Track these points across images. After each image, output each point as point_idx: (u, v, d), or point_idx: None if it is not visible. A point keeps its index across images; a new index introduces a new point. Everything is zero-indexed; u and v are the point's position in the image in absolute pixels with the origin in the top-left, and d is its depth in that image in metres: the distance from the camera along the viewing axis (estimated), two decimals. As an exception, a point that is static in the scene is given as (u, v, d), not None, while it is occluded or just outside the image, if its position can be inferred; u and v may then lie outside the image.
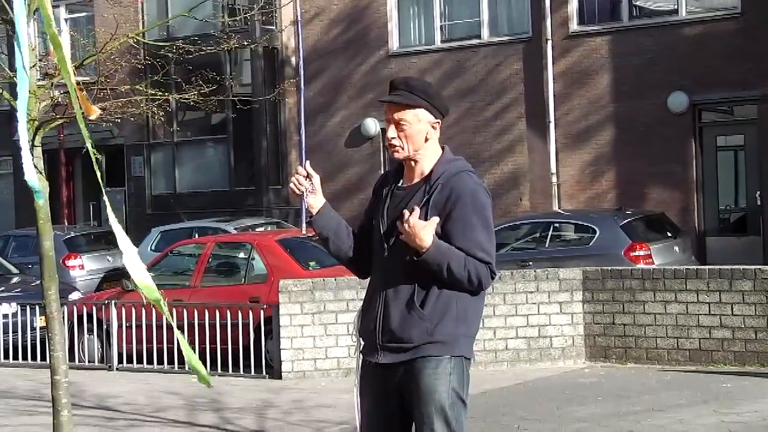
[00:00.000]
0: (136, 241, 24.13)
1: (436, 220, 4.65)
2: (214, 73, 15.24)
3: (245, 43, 15.56)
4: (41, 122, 9.34)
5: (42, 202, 8.87)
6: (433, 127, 4.82)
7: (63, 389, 8.70)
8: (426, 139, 4.81)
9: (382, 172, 25.11)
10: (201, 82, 13.25)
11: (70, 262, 20.63)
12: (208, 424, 10.03)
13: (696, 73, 21.18)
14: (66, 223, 27.33)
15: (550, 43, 22.95)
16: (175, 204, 27.65)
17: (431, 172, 4.80)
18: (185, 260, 15.30)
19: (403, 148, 4.80)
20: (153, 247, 20.78)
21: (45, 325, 9.67)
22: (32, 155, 8.73)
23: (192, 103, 13.35)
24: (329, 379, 11.97)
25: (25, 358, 14.00)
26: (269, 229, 20.76)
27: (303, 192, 4.95)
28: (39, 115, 9.21)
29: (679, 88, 21.35)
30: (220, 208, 26.05)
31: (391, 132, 4.81)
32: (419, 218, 4.62)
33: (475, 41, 24.50)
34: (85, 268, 21.12)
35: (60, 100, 13.64)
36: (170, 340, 13.06)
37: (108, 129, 27.03)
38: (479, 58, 24.27)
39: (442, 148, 4.89)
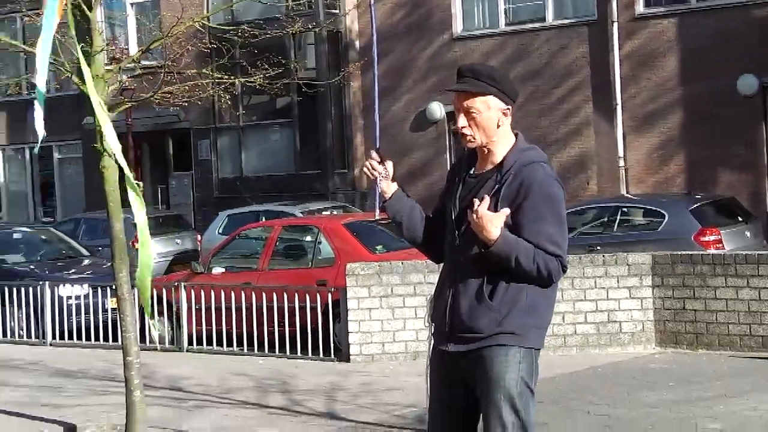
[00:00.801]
0: (204, 224, 24.42)
1: (505, 211, 4.57)
2: (280, 57, 15.30)
3: (310, 27, 15.55)
4: (110, 106, 9.43)
5: (112, 179, 8.99)
6: (504, 113, 4.72)
7: (135, 370, 8.82)
8: (498, 126, 4.72)
9: (447, 157, 25.17)
10: (267, 65, 13.30)
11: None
12: (278, 405, 10.09)
13: (766, 55, 20.88)
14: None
15: (615, 25, 22.76)
16: (242, 188, 27.84)
17: (503, 160, 4.71)
18: (253, 243, 15.39)
19: (474, 138, 4.70)
20: (220, 231, 20.95)
21: (116, 306, 9.79)
22: (101, 137, 8.83)
23: (258, 87, 13.40)
24: (397, 362, 12.00)
25: (97, 339, 14.19)
26: (335, 212, 20.82)
27: (376, 177, 4.94)
28: (107, 99, 9.29)
29: (749, 70, 21.07)
30: (285, 192, 26.17)
31: (462, 121, 4.71)
32: (488, 209, 4.55)
33: (539, 24, 24.36)
34: (154, 251, 21.32)
35: (127, 84, 13.80)
36: (239, 323, 13.18)
37: (175, 113, 27.31)
38: (544, 41, 24.13)
39: (516, 136, 4.80)
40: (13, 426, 9.62)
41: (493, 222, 4.53)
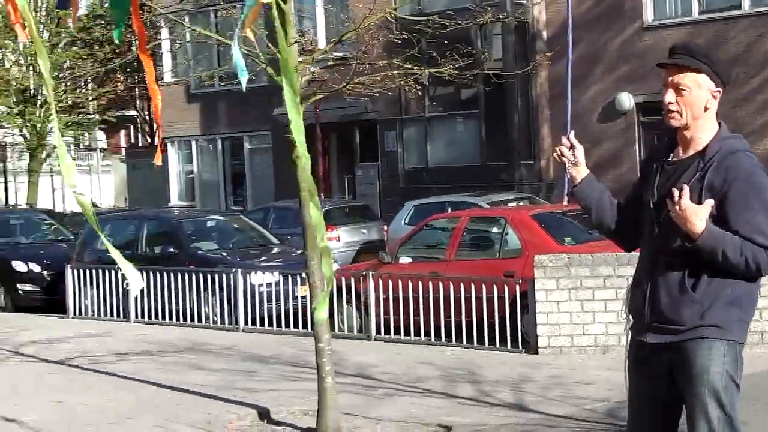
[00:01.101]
0: (390, 213, 24.60)
1: (710, 203, 4.42)
2: (470, 48, 15.27)
3: (500, 17, 15.47)
4: (301, 97, 9.57)
5: (304, 168, 9.12)
6: (713, 95, 4.58)
7: (326, 356, 8.94)
8: (705, 109, 4.57)
9: (636, 148, 24.70)
10: (457, 56, 13.31)
11: (327, 234, 21.14)
12: (465, 395, 10.08)
13: None
14: (322, 196, 28.06)
15: (817, 11, 21.92)
16: (427, 178, 27.95)
17: (706, 148, 4.56)
18: (439, 234, 15.42)
19: (681, 114, 4.57)
20: (406, 221, 21.09)
21: (306, 294, 9.94)
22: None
23: (447, 78, 13.43)
24: (586, 356, 11.83)
25: (287, 325, 14.47)
26: (521, 204, 20.69)
27: (566, 163, 4.86)
28: (300, 91, 9.44)
29: None
30: (470, 183, 26.14)
31: (669, 96, 4.58)
32: (692, 199, 4.40)
33: (735, 12, 23.65)
34: (341, 241, 21.66)
35: (316, 75, 14.00)
36: (426, 313, 13.22)
37: (362, 104, 27.62)
38: (740, 29, 23.42)
39: (719, 125, 4.64)
40: (208, 408, 9.89)
41: (697, 215, 4.39)
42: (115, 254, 4.20)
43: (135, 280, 4.19)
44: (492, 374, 11.10)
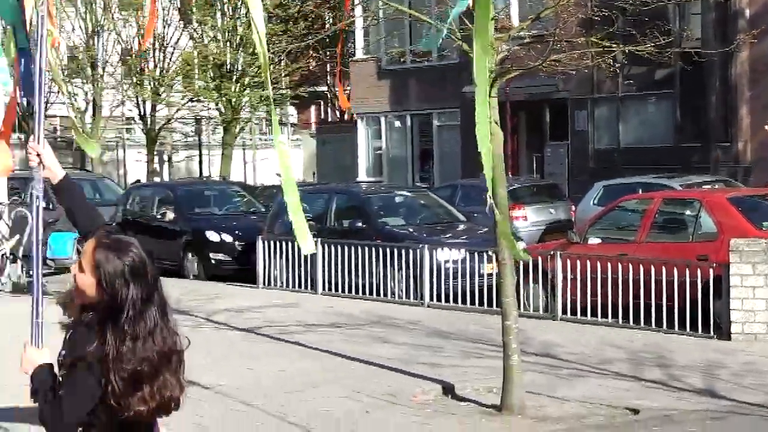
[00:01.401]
0: (578, 194, 24.29)
1: None
2: (668, 26, 14.85)
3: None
4: (496, 74, 9.49)
5: (486, 150, 9.02)
6: None
7: (513, 334, 8.88)
8: None
9: None
10: (657, 33, 12.96)
11: (514, 213, 20.95)
12: (653, 379, 9.86)
13: None
14: (509, 175, 27.86)
15: None
16: (618, 159, 27.46)
17: None
18: (630, 215, 15.09)
19: None
20: (595, 201, 20.72)
21: (492, 271, 9.86)
22: (488, 106, 8.91)
23: (645, 56, 13.08)
24: (782, 344, 11.41)
25: (472, 303, 14.43)
26: (717, 186, 20.06)
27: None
28: (494, 68, 9.35)
29: None
30: (662, 165, 25.52)
31: None
32: None
33: None
34: (528, 220, 21.46)
35: (510, 53, 13.86)
36: (614, 294, 12.98)
37: (553, 83, 27.30)
38: None
39: None
40: (392, 381, 9.95)
41: None
42: (295, 216, 4.25)
43: (307, 243, 4.27)
44: (681, 359, 10.82)
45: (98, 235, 3.89)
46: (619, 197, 16.71)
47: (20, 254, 16.81)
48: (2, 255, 16.73)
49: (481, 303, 14.26)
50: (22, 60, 5.60)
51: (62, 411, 3.71)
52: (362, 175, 36.87)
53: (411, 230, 17.17)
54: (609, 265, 13.07)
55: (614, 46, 11.78)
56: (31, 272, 16.61)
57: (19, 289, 16.56)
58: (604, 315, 13.12)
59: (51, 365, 3.89)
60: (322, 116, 58.47)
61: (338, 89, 24.93)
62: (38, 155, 4.24)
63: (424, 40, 6.14)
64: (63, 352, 3.85)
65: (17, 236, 16.68)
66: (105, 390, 3.69)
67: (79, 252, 15.78)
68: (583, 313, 13.31)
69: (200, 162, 44.76)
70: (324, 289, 16.29)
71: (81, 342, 3.75)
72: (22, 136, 39.37)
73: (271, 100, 4.49)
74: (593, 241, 14.25)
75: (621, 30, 15.30)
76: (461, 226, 17.92)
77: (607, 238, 14.42)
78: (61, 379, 3.82)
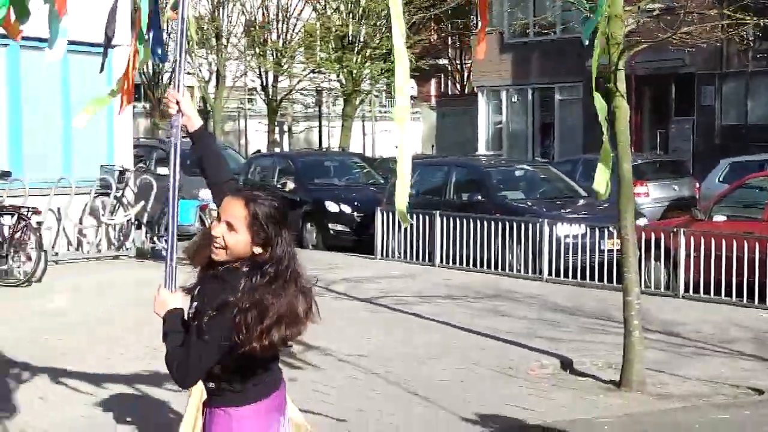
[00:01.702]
0: (703, 171, 23.81)
1: None
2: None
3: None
4: (624, 46, 9.31)
5: (623, 128, 8.91)
6: None
7: (635, 310, 8.74)
8: None
9: None
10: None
11: (636, 189, 20.63)
12: (779, 361, 9.64)
13: None
14: (632, 150, 27.42)
15: None
16: (745, 135, 26.83)
17: None
18: (757, 193, 14.73)
19: None
20: (721, 179, 20.29)
21: (613, 247, 9.71)
22: (615, 77, 8.75)
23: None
24: None
25: (591, 278, 14.26)
26: None
27: None
28: (622, 39, 9.18)
29: None
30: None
31: None
32: None
33: None
34: (650, 196, 21.11)
35: (639, 25, 13.59)
36: (739, 272, 12.69)
37: (680, 57, 26.76)
38: None
39: None
40: (512, 353, 9.89)
41: None
42: (401, 179, 4.28)
43: (404, 217, 4.33)
44: (806, 341, 10.55)
45: (243, 193, 3.93)
46: (745, 175, 16.32)
47: (144, 220, 17.15)
48: (128, 221, 17.07)
49: (600, 279, 14.08)
50: (151, 29, 5.70)
51: (192, 357, 3.75)
52: (482, 149, 36.73)
53: (530, 204, 17.02)
54: (734, 243, 12.78)
55: (747, 18, 11.47)
56: (155, 238, 16.88)
57: (143, 254, 16.91)
58: (728, 294, 12.85)
59: (182, 310, 3.94)
60: (442, 89, 58.36)
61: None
62: (177, 103, 4.33)
63: (584, 30, 6.07)
64: (195, 304, 3.89)
65: (142, 202, 16.99)
66: (238, 333, 3.72)
67: (202, 219, 16.02)
68: (707, 291, 13.05)
69: (320, 133, 45.09)
70: (441, 261, 16.28)
71: (218, 291, 3.79)
72: (147, 106, 40.21)
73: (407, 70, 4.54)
74: (718, 218, 13.95)
75: (754, 2, 14.87)
76: (581, 201, 17.70)
77: (732, 216, 14.10)
78: (194, 325, 3.83)
